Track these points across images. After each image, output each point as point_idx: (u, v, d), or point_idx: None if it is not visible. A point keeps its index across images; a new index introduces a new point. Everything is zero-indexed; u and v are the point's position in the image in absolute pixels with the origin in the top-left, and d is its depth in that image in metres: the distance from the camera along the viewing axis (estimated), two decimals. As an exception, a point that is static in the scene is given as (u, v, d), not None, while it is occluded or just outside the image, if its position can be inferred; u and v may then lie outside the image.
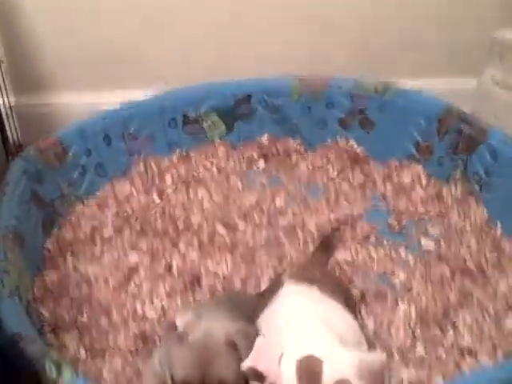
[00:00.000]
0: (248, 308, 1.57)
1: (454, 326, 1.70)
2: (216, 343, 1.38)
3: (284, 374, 1.14)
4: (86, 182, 2.19)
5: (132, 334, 1.69)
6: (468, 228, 2.04)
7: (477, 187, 2.10)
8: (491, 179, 2.04)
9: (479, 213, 2.08)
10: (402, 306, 1.77)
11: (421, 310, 1.75)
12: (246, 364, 1.20)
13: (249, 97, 2.41)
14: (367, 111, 2.36)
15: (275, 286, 1.56)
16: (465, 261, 1.91)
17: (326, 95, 2.39)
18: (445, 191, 2.19)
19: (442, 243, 1.99)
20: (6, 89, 2.36)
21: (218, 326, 1.42)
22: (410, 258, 1.96)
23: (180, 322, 1.42)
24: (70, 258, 1.95)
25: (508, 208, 1.99)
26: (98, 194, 2.22)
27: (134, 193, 2.23)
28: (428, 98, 2.26)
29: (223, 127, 2.44)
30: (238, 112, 2.43)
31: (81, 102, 2.47)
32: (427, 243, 2.01)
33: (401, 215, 2.14)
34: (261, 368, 1.17)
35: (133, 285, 1.87)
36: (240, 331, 1.43)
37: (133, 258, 1.96)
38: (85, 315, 1.75)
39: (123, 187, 2.24)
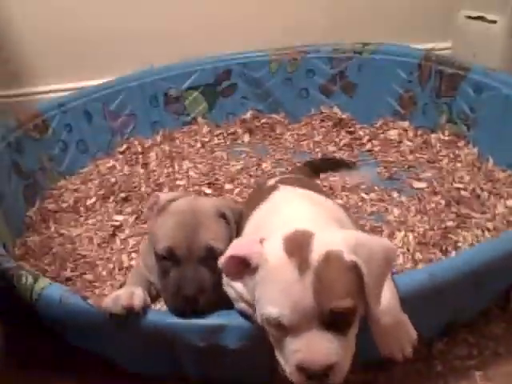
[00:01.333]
0: None
1: (456, 246, 1.63)
2: (204, 211, 1.32)
3: (269, 253, 1.00)
4: (67, 158, 2.16)
5: (119, 286, 1.61)
6: (459, 166, 2.00)
7: (464, 128, 2.07)
8: (477, 115, 2.02)
9: (469, 152, 2.05)
10: (399, 235, 1.71)
11: (418, 236, 1.69)
12: (223, 258, 1.04)
13: (228, 72, 2.40)
14: (347, 72, 2.35)
15: (266, 191, 1.44)
16: (459, 190, 1.87)
17: (305, 62, 2.39)
18: (433, 138, 2.16)
19: (435, 183, 1.94)
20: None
21: (206, 200, 1.37)
22: (404, 198, 1.90)
23: (163, 197, 1.37)
24: (53, 225, 1.89)
25: (497, 141, 1.96)
26: (81, 171, 2.17)
27: (118, 166, 2.18)
28: (405, 49, 2.26)
29: (205, 104, 2.42)
30: (219, 88, 2.41)
31: (62, 89, 2.44)
32: (420, 185, 1.96)
33: (390, 164, 2.09)
34: (241, 253, 1.02)
35: (118, 241, 1.80)
36: (230, 206, 1.38)
37: (117, 218, 1.89)
38: (68, 270, 1.68)
39: (106, 164, 2.20)
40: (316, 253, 0.97)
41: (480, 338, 1.40)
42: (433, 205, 1.82)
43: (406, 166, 2.08)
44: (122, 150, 2.28)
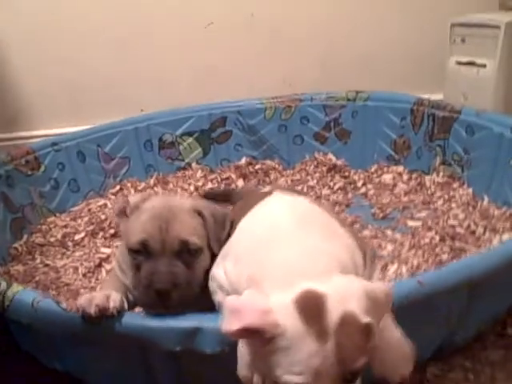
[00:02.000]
0: None
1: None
2: (180, 206, 1.29)
3: (285, 323, 0.93)
4: (59, 196, 2.14)
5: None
6: (454, 206, 1.97)
7: (458, 169, 2.06)
8: (471, 155, 2.00)
9: (464, 193, 2.02)
10: (392, 267, 1.66)
11: (412, 268, 1.64)
12: (230, 326, 0.93)
13: (224, 119, 2.43)
14: (341, 120, 2.36)
15: (259, 196, 1.40)
16: (454, 227, 1.82)
17: (299, 110, 2.41)
18: (427, 181, 2.14)
19: (430, 222, 1.90)
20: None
21: (183, 198, 1.33)
22: (398, 235, 1.87)
23: (133, 198, 1.33)
24: (38, 257, 1.85)
25: (491, 179, 1.93)
26: (71, 210, 2.15)
27: (109, 205, 2.16)
28: (398, 95, 2.28)
29: (200, 150, 2.42)
30: (214, 135, 2.43)
31: (57, 134, 2.45)
32: (414, 224, 1.93)
33: (384, 206, 2.07)
34: (255, 325, 0.92)
35: (103, 272, 1.76)
36: (209, 207, 1.34)
37: (105, 251, 1.86)
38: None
39: (97, 202, 2.18)
40: (332, 319, 0.94)
41: (476, 363, 1.34)
42: (427, 240, 1.77)
43: (401, 207, 2.05)
44: (114, 191, 2.26)
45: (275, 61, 2.66)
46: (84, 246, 1.92)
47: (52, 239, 1.95)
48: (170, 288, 1.19)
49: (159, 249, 1.23)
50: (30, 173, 2.05)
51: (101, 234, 1.98)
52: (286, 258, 1.07)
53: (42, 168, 2.10)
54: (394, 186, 2.19)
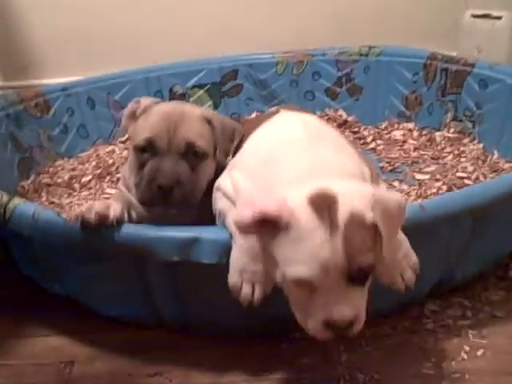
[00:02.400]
0: None
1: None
2: (190, 112, 1.30)
3: (300, 214, 0.97)
4: (67, 140, 2.14)
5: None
6: (463, 161, 1.95)
7: (469, 124, 2.03)
8: (483, 110, 1.98)
9: (474, 148, 2.00)
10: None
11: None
12: (245, 213, 0.96)
13: (235, 72, 2.41)
14: (353, 75, 2.34)
15: (268, 115, 1.44)
16: (462, 179, 1.81)
17: (311, 65, 2.38)
18: (437, 136, 2.12)
19: (438, 175, 1.88)
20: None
21: (194, 107, 1.35)
22: (405, 186, 1.85)
23: (145, 101, 1.34)
24: (45, 195, 1.86)
25: (502, 134, 1.91)
26: (79, 155, 2.15)
27: (117, 150, 2.16)
28: (411, 50, 2.25)
29: (210, 103, 2.41)
30: (225, 88, 2.41)
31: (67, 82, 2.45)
32: (422, 177, 1.91)
33: (393, 160, 2.05)
34: (273, 212, 0.96)
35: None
36: (218, 117, 1.35)
37: (111, 191, 1.86)
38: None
39: (106, 148, 2.18)
40: (342, 215, 0.98)
41: (476, 302, 1.33)
42: (434, 190, 1.76)
43: (410, 162, 2.03)
44: (123, 139, 2.26)
45: (288, 15, 2.63)
46: (90, 188, 1.92)
47: (59, 180, 1.95)
48: (172, 184, 1.21)
49: (165, 148, 1.25)
50: (39, 115, 2.05)
51: (108, 177, 1.98)
52: (299, 165, 1.10)
53: (52, 112, 2.10)
54: (404, 141, 2.17)
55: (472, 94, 2.01)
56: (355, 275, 0.96)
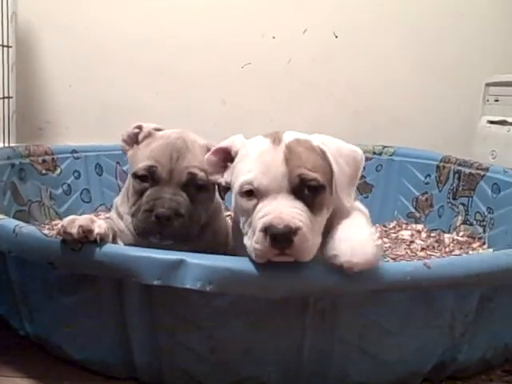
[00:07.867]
0: None
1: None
2: (194, 141, 1.25)
3: (249, 140, 1.17)
4: (69, 202, 2.11)
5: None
6: (472, 263, 1.87)
7: (480, 229, 1.97)
8: (494, 215, 1.92)
9: (484, 252, 1.92)
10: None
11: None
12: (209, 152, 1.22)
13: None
14: (365, 172, 2.32)
15: None
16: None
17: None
18: (446, 238, 2.05)
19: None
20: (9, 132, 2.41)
21: (198, 136, 1.32)
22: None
23: (147, 125, 1.29)
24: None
25: (513, 239, 1.84)
26: (79, 218, 2.10)
27: (117, 218, 2.11)
28: (424, 152, 2.25)
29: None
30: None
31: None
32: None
33: (399, 257, 1.98)
34: (225, 144, 1.20)
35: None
36: None
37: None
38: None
39: (106, 214, 2.13)
40: (288, 136, 1.12)
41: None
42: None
43: (416, 260, 1.95)
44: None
45: (306, 108, 2.67)
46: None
47: (53, 238, 1.89)
48: (171, 215, 1.15)
49: (166, 177, 1.20)
50: (44, 172, 2.03)
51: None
52: None
53: (58, 171, 2.08)
54: (412, 241, 2.10)
55: (484, 198, 1.97)
56: (298, 188, 1.03)
